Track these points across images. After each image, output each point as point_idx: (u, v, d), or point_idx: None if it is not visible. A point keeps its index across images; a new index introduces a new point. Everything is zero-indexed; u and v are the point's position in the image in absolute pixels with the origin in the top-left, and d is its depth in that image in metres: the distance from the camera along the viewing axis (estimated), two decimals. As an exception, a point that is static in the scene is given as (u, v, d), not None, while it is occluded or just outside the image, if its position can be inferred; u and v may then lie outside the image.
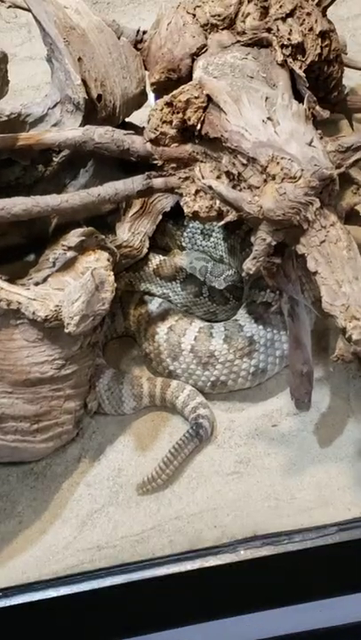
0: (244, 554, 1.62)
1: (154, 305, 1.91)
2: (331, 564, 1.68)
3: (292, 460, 1.73)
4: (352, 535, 1.63)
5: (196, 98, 1.67)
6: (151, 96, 2.01)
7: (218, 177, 1.65)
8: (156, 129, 1.71)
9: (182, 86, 1.72)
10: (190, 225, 2.01)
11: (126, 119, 1.97)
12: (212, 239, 2.00)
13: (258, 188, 1.55)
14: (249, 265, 1.53)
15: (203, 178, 1.64)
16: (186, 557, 1.63)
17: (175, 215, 1.98)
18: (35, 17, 1.84)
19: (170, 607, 1.71)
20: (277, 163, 1.53)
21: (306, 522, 1.64)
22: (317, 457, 1.73)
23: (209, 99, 1.67)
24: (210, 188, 1.56)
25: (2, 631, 1.67)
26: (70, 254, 1.75)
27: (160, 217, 1.95)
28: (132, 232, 1.90)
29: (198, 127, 1.68)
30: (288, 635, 1.80)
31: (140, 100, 1.96)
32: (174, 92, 1.70)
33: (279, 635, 1.79)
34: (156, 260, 1.94)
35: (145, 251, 1.91)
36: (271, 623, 1.77)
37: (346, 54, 2.05)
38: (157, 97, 1.85)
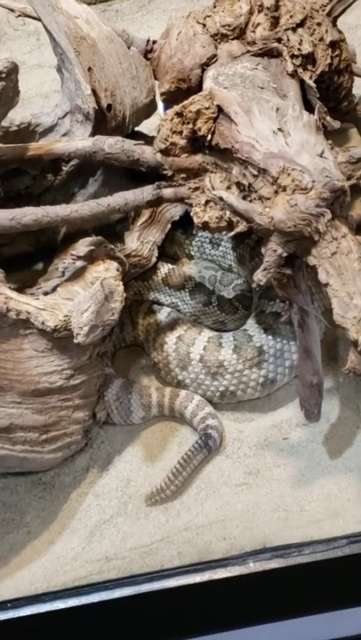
0: (253, 566, 1.62)
1: (162, 314, 1.92)
2: (340, 577, 1.68)
3: (301, 472, 1.73)
4: (361, 548, 1.64)
5: (206, 108, 1.67)
6: (160, 105, 2.02)
7: (228, 188, 1.65)
8: (166, 139, 1.71)
9: (192, 97, 1.72)
10: (199, 234, 2.01)
11: (136, 128, 1.97)
12: (220, 248, 2.00)
13: (269, 199, 1.55)
14: (260, 276, 1.53)
15: (213, 188, 1.64)
16: (195, 569, 1.63)
17: (184, 224, 1.98)
18: (45, 27, 1.84)
19: (179, 619, 1.71)
20: (288, 174, 1.53)
21: (315, 534, 1.65)
22: (327, 468, 1.73)
23: (219, 109, 1.67)
24: (220, 199, 1.56)
25: (8, 640, 1.69)
26: (79, 264, 1.75)
27: (169, 226, 1.95)
28: (140, 241, 1.90)
29: (209, 138, 1.68)
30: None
31: (149, 109, 1.96)
32: (185, 103, 1.70)
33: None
34: (164, 268, 1.95)
35: (154, 260, 1.92)
36: (280, 635, 1.77)
37: (355, 63, 2.05)
38: (167, 106, 1.87)
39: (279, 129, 1.61)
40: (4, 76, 1.62)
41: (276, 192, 1.55)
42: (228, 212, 1.63)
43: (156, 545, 1.67)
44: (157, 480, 1.73)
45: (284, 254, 1.52)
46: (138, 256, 1.88)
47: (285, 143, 1.59)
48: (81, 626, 1.67)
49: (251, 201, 1.59)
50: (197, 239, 2.02)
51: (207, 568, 1.63)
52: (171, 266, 1.97)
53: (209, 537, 1.67)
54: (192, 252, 2.04)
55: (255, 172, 1.59)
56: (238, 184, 1.63)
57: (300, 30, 1.82)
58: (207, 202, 1.67)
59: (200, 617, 1.72)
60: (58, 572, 1.66)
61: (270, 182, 1.56)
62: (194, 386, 1.83)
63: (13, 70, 1.63)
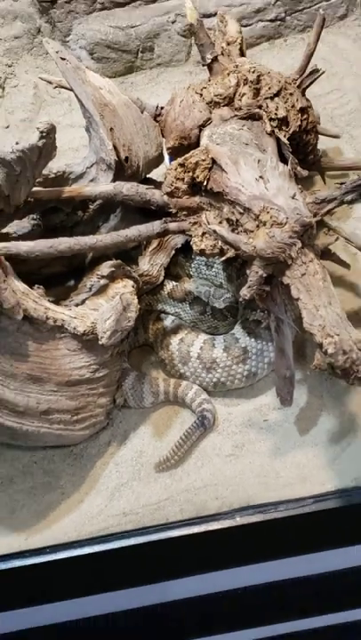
0: (239, 520, 1.63)
1: (168, 321, 1.92)
2: (307, 528, 1.69)
3: (277, 445, 1.73)
4: (325, 506, 1.64)
5: (203, 160, 1.69)
6: (166, 157, 2.02)
7: (220, 222, 1.66)
8: (171, 184, 1.73)
9: (192, 151, 1.74)
10: (197, 258, 2.01)
11: (147, 175, 1.98)
12: (213, 269, 2.00)
13: (252, 231, 1.56)
14: (245, 292, 1.54)
15: (208, 223, 1.65)
16: (193, 522, 1.64)
17: (185, 250, 1.99)
18: (76, 95, 1.85)
19: (180, 562, 1.72)
20: (268, 212, 1.54)
21: (288, 495, 1.65)
22: (297, 443, 1.73)
23: (213, 161, 1.68)
24: (214, 231, 1.57)
25: (48, 580, 1.68)
26: (103, 282, 1.76)
27: (173, 252, 1.95)
28: (151, 264, 1.91)
29: (205, 183, 1.69)
30: (274, 581, 1.79)
31: (158, 160, 1.97)
32: (186, 156, 1.72)
33: (267, 582, 1.78)
34: (169, 285, 1.95)
35: (161, 278, 1.92)
36: (261, 574, 1.76)
37: (319, 124, 2.06)
38: (171, 158, 1.87)
39: (260, 176, 1.63)
40: (45, 134, 1.62)
41: (257, 226, 1.56)
42: (220, 242, 1.64)
43: (162, 503, 1.68)
44: (164, 452, 1.74)
45: (264, 275, 1.53)
46: (148, 275, 1.88)
47: (265, 188, 1.60)
48: (103, 567, 1.68)
49: (238, 233, 1.60)
50: (195, 262, 2.02)
51: (203, 521, 1.64)
52: (174, 283, 1.97)
53: (204, 497, 1.68)
54: (191, 272, 2.03)
55: (241, 211, 1.60)
56: (228, 220, 1.64)
57: (276, 99, 1.84)
58: (204, 233, 1.68)
59: (197, 560, 1.72)
60: (85, 525, 1.67)
61: (253, 218, 1.57)
62: (192, 378, 1.83)
63: (52, 130, 1.63)
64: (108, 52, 2.71)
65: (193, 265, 2.03)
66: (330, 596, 1.92)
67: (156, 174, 2.04)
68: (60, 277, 1.92)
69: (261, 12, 2.70)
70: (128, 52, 2.72)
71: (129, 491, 1.71)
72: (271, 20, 2.71)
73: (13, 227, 1.85)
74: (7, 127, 2.59)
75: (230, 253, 1.63)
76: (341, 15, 2.74)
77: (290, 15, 2.72)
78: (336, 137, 2.26)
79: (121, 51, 2.71)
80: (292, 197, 1.58)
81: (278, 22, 2.72)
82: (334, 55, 2.65)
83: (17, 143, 1.61)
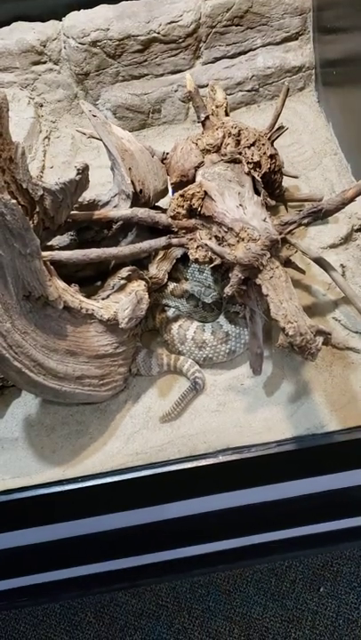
0: (221, 458, 1.63)
1: (170, 312, 1.91)
2: (272, 465, 1.69)
3: (250, 404, 1.73)
4: (285, 448, 1.63)
5: (198, 192, 1.68)
6: (170, 191, 2.01)
7: (210, 238, 1.65)
8: (174, 210, 1.72)
9: (189, 185, 1.73)
10: (191, 265, 2.00)
11: (156, 203, 1.98)
12: (204, 274, 1.98)
13: (234, 245, 1.55)
14: (228, 290, 1.54)
15: (201, 239, 1.64)
16: (188, 460, 1.64)
17: (183, 260, 1.97)
18: (104, 144, 1.84)
19: (179, 488, 1.72)
20: (245, 231, 1.53)
21: (258, 440, 1.65)
22: (265, 402, 1.73)
23: (205, 193, 1.67)
24: (205, 245, 1.56)
25: (80, 502, 1.69)
26: (122, 282, 1.76)
27: (174, 261, 1.94)
28: (157, 269, 1.90)
29: (199, 209, 1.69)
30: (247, 504, 1.80)
31: (164, 193, 1.96)
32: (185, 189, 1.71)
33: (242, 504, 1.80)
34: (171, 285, 1.94)
35: (165, 280, 1.90)
36: (237, 498, 1.78)
37: (283, 168, 2.05)
38: (174, 191, 1.86)
39: (240, 204, 1.62)
40: (80, 171, 1.62)
41: (238, 241, 1.55)
42: (210, 253, 1.63)
43: (165, 446, 1.68)
44: (166, 408, 1.73)
45: (242, 277, 1.52)
46: (156, 278, 1.87)
47: (244, 213, 1.60)
48: (121, 492, 1.68)
49: (223, 246, 1.59)
50: (190, 269, 2.00)
51: (195, 459, 1.64)
52: (175, 284, 1.96)
53: (196, 441, 1.67)
54: (187, 276, 2.02)
55: (226, 230, 1.59)
56: (216, 236, 1.63)
57: (252, 148, 1.82)
58: (198, 246, 1.67)
59: (190, 488, 1.73)
60: (108, 461, 1.66)
61: (235, 236, 1.57)
62: (188, 354, 1.82)
63: (86, 168, 1.63)
64: (126, 112, 2.70)
65: (189, 271, 2.02)
66: (287, 515, 1.93)
67: (162, 203, 2.04)
68: (90, 279, 1.91)
69: (241, 84, 2.69)
70: (142, 112, 2.70)
71: (140, 436, 1.70)
72: (248, 91, 2.71)
73: (56, 240, 1.84)
74: (52, 167, 2.58)
75: (217, 261, 1.63)
76: (300, 87, 2.74)
77: (262, 87, 2.71)
78: (295, 177, 2.25)
79: (136, 112, 2.69)
80: (264, 220, 1.58)
81: (253, 92, 2.71)
82: (295, 117, 2.64)
83: (59, 179, 1.61)
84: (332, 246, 2.05)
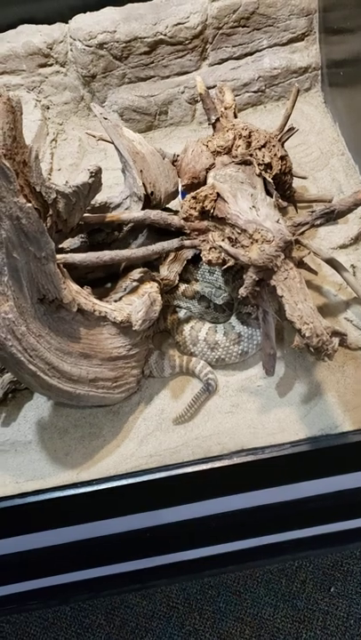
0: (237, 460, 1.62)
1: (182, 313, 1.91)
2: (286, 466, 1.69)
3: (263, 405, 1.73)
4: (299, 449, 1.63)
5: (210, 194, 1.67)
6: (180, 193, 2.00)
7: (223, 240, 1.64)
8: (186, 212, 1.71)
9: (202, 187, 1.72)
10: (202, 267, 2.00)
11: (166, 205, 1.97)
12: (215, 275, 1.98)
13: (247, 247, 1.55)
14: (242, 291, 1.54)
15: (215, 241, 1.64)
16: (202, 462, 1.63)
17: (193, 261, 1.97)
18: (115, 146, 1.84)
19: (192, 491, 1.72)
20: (259, 232, 1.53)
21: (271, 441, 1.65)
22: (278, 403, 1.72)
23: (218, 195, 1.67)
24: (220, 246, 1.56)
25: (95, 505, 1.68)
26: (135, 284, 1.75)
27: (185, 262, 1.94)
28: (169, 271, 1.90)
29: (212, 211, 1.68)
30: (259, 505, 1.81)
31: (174, 195, 1.95)
32: (197, 191, 1.70)
33: (253, 505, 1.79)
34: (182, 287, 1.94)
35: (176, 282, 1.90)
36: (251, 499, 1.77)
37: (292, 169, 2.05)
38: (185, 194, 1.85)
39: (253, 206, 1.62)
40: (93, 174, 1.61)
41: (251, 243, 1.55)
42: (223, 254, 1.63)
43: (179, 448, 1.67)
44: (179, 410, 1.73)
45: (257, 279, 1.52)
46: (167, 279, 1.87)
47: (257, 214, 1.59)
48: (135, 495, 1.68)
49: (236, 248, 1.59)
50: (201, 270, 2.00)
51: (209, 461, 1.63)
52: (186, 285, 1.96)
53: (210, 443, 1.67)
54: (198, 277, 2.02)
55: (239, 231, 1.59)
56: (229, 238, 1.63)
57: (263, 149, 1.82)
58: (210, 248, 1.67)
59: (204, 490, 1.72)
60: (122, 463, 1.66)
61: (248, 237, 1.56)
62: (200, 355, 1.82)
63: (99, 171, 1.63)
64: (133, 114, 2.70)
65: (199, 272, 2.01)
66: (299, 516, 1.93)
67: (172, 205, 2.03)
68: (100, 281, 1.88)
69: (247, 85, 2.69)
70: (149, 114, 2.70)
71: (154, 438, 1.70)
72: (255, 92, 2.70)
73: (66, 243, 1.83)
74: (59, 170, 2.57)
75: (230, 263, 1.62)
76: (307, 88, 2.73)
77: (268, 88, 2.71)
78: (304, 178, 2.25)
79: (143, 114, 2.69)
80: (277, 222, 1.57)
81: (260, 93, 2.71)
82: (301, 118, 2.64)
83: (66, 182, 1.60)
84: (343, 247, 2.05)
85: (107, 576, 2.07)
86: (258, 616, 2.40)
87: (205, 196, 1.67)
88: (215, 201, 1.66)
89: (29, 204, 1.37)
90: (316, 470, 1.72)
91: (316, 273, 1.80)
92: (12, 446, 1.73)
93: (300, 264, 1.63)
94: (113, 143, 1.83)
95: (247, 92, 2.71)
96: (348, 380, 1.73)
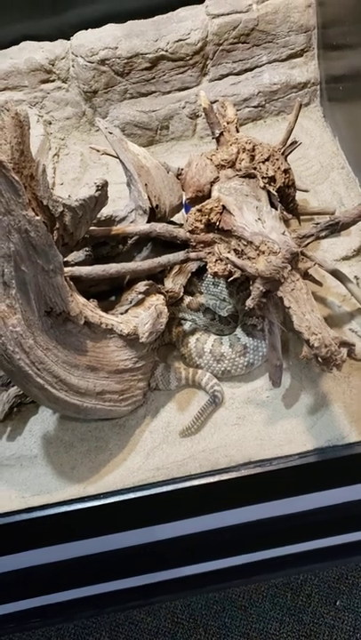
0: (243, 472, 1.62)
1: (187, 326, 1.91)
2: (294, 477, 1.68)
3: (269, 417, 1.72)
4: (306, 460, 1.63)
5: (216, 207, 1.67)
6: (183, 207, 2.00)
7: (229, 252, 1.65)
8: (192, 225, 1.72)
9: (207, 200, 1.72)
10: (206, 279, 2.00)
11: (171, 219, 1.97)
12: (219, 287, 1.99)
13: (254, 258, 1.56)
14: (250, 302, 1.53)
15: (221, 253, 1.64)
16: (209, 474, 1.63)
17: (197, 273, 1.98)
18: (120, 160, 1.85)
19: (200, 504, 1.71)
20: (265, 244, 1.54)
21: (279, 453, 1.65)
22: (284, 415, 1.72)
23: (224, 207, 1.67)
24: (227, 258, 1.56)
25: (102, 518, 1.67)
26: (140, 296, 1.75)
27: (189, 275, 1.94)
28: (173, 283, 1.90)
29: (217, 224, 1.68)
30: (264, 518, 1.80)
31: (178, 208, 1.96)
32: (203, 204, 1.71)
33: (258, 518, 1.79)
34: (187, 299, 1.94)
35: (181, 294, 1.90)
36: (259, 511, 1.77)
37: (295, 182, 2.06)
38: (189, 207, 1.85)
39: (259, 218, 1.62)
40: (100, 188, 1.62)
41: (258, 254, 1.55)
42: (230, 266, 1.63)
43: (186, 460, 1.66)
44: (186, 422, 1.72)
45: (264, 290, 1.53)
46: (172, 292, 1.87)
47: (263, 227, 1.60)
48: (143, 508, 1.67)
49: (243, 260, 1.59)
50: (205, 282, 2.01)
51: (217, 473, 1.63)
52: (191, 297, 1.96)
53: (217, 455, 1.66)
54: (202, 290, 2.02)
55: (245, 243, 1.59)
56: (235, 250, 1.63)
57: (267, 163, 1.83)
58: (217, 260, 1.67)
59: (212, 503, 1.71)
60: (129, 477, 1.65)
61: (254, 249, 1.57)
62: (206, 367, 1.82)
63: (105, 185, 1.64)
64: (135, 129, 2.72)
65: (203, 284, 2.02)
66: (304, 528, 1.92)
67: (175, 218, 2.03)
68: (104, 294, 1.88)
69: (248, 100, 2.72)
70: (150, 129, 2.72)
71: (160, 451, 1.69)
72: (255, 107, 2.73)
73: (71, 256, 1.83)
74: (62, 184, 2.59)
75: (237, 274, 1.62)
76: (306, 103, 2.77)
77: (268, 103, 2.74)
78: (306, 191, 2.27)
79: (145, 129, 2.71)
80: (283, 234, 1.58)
81: (260, 108, 2.74)
82: (301, 132, 2.66)
83: (69, 196, 1.61)
84: (345, 258, 2.07)
85: (110, 592, 2.05)
86: (264, 631, 2.38)
87: (211, 208, 1.68)
88: (221, 213, 1.67)
89: (38, 217, 1.37)
90: (324, 482, 1.71)
91: (320, 284, 1.81)
92: (17, 461, 1.72)
93: (306, 275, 1.63)
94: (118, 157, 1.84)
95: (247, 106, 2.73)
96: (353, 390, 1.73)
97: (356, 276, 1.95)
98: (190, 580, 2.06)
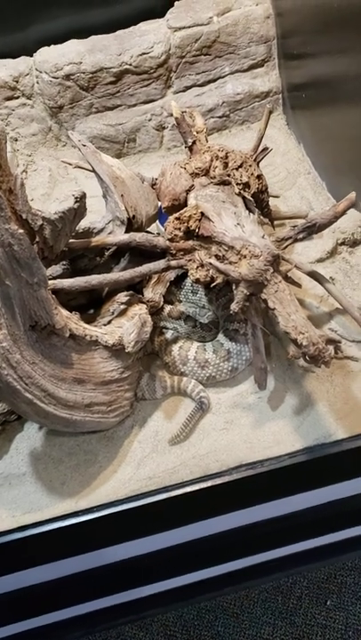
0: (235, 475, 1.62)
1: (169, 334, 1.91)
2: (283, 478, 1.69)
3: (256, 420, 1.73)
4: (296, 460, 1.64)
5: (194, 214, 1.69)
6: (159, 217, 2.02)
7: (210, 258, 1.65)
8: (171, 233, 1.73)
9: (185, 208, 1.74)
10: (185, 287, 2.01)
11: (147, 229, 1.99)
12: (197, 295, 2.00)
13: (236, 263, 1.57)
14: (234, 306, 1.54)
15: (202, 260, 1.65)
16: (201, 480, 1.63)
17: (176, 282, 1.98)
18: (95, 172, 1.85)
19: (195, 510, 1.71)
20: (247, 248, 1.56)
21: (269, 454, 1.66)
22: (271, 417, 1.73)
23: (202, 214, 1.69)
24: (210, 264, 1.58)
25: (95, 531, 1.64)
26: (122, 307, 1.75)
27: (168, 284, 1.94)
28: (153, 293, 1.89)
29: (196, 231, 1.70)
30: (252, 522, 1.80)
31: (155, 218, 1.97)
32: (181, 212, 1.72)
33: (256, 521, 1.79)
34: (167, 308, 1.94)
35: (161, 303, 1.90)
36: (251, 514, 1.77)
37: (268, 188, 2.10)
38: (166, 216, 1.85)
39: (238, 223, 1.64)
40: (78, 199, 1.62)
41: (240, 259, 1.57)
42: (211, 272, 1.64)
43: (177, 468, 1.66)
44: (174, 430, 1.72)
45: (248, 293, 1.54)
46: (153, 301, 1.86)
47: (243, 231, 1.62)
48: (137, 519, 1.66)
49: (225, 264, 1.60)
50: (184, 290, 2.01)
51: (208, 479, 1.63)
52: (171, 306, 1.96)
53: (207, 461, 1.67)
54: (181, 298, 2.03)
55: (226, 248, 1.61)
56: (216, 256, 1.64)
57: (240, 169, 1.85)
58: (198, 267, 1.68)
59: (206, 508, 1.71)
60: (121, 488, 1.64)
61: (236, 253, 1.58)
62: (191, 374, 1.82)
63: (83, 196, 1.63)
64: (102, 143, 2.73)
65: (182, 293, 2.02)
66: (292, 530, 1.93)
67: (150, 228, 2.04)
68: (82, 307, 1.86)
69: (212, 110, 2.76)
70: (117, 142, 2.73)
71: (151, 461, 1.68)
72: (219, 117, 2.78)
73: (49, 270, 1.81)
74: (32, 200, 2.51)
75: (219, 280, 1.63)
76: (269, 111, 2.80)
77: (232, 112, 2.78)
78: (276, 197, 2.31)
79: (112, 142, 2.72)
80: (262, 237, 1.60)
81: (224, 118, 2.78)
82: (265, 140, 2.62)
83: (39, 211, 1.59)
84: (320, 260, 2.10)
85: (100, 609, 2.01)
86: (257, 636, 2.38)
87: (190, 216, 1.69)
88: (200, 220, 1.68)
89: (21, 231, 1.36)
90: (314, 480, 1.73)
91: (300, 286, 1.84)
92: (5, 480, 1.69)
93: (285, 278, 1.66)
94: (93, 169, 1.84)
95: (212, 117, 2.77)
96: (337, 388, 1.76)
97: (331, 277, 1.98)
98: (181, 591, 2.04)
